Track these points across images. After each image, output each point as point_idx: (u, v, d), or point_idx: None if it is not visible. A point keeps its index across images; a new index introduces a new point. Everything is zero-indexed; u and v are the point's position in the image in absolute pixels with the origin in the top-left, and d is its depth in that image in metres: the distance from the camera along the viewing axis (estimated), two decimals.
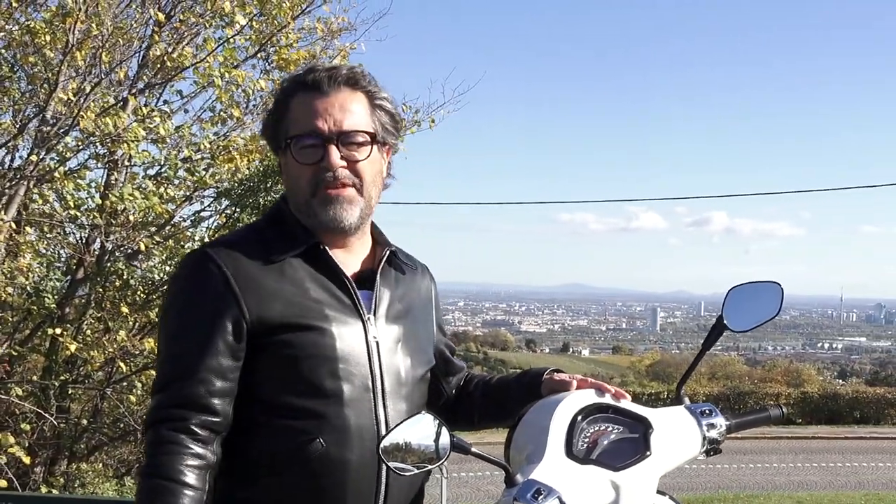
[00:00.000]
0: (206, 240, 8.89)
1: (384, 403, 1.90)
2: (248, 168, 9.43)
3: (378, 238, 2.08)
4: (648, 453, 1.78)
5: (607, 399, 1.90)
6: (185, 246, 9.11)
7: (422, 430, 1.69)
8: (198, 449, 1.78)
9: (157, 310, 8.96)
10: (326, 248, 1.94)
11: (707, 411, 1.95)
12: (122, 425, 11.07)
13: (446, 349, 2.22)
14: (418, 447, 1.68)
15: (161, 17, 7.93)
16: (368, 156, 1.95)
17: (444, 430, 1.70)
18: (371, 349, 1.92)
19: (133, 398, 9.41)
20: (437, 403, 2.19)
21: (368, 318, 1.94)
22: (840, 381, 55.85)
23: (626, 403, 1.90)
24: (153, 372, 4.47)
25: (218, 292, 1.85)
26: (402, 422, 1.67)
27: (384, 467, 1.83)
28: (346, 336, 1.89)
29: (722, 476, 22.40)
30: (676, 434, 1.89)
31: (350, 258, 2.01)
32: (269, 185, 9.90)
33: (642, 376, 54.08)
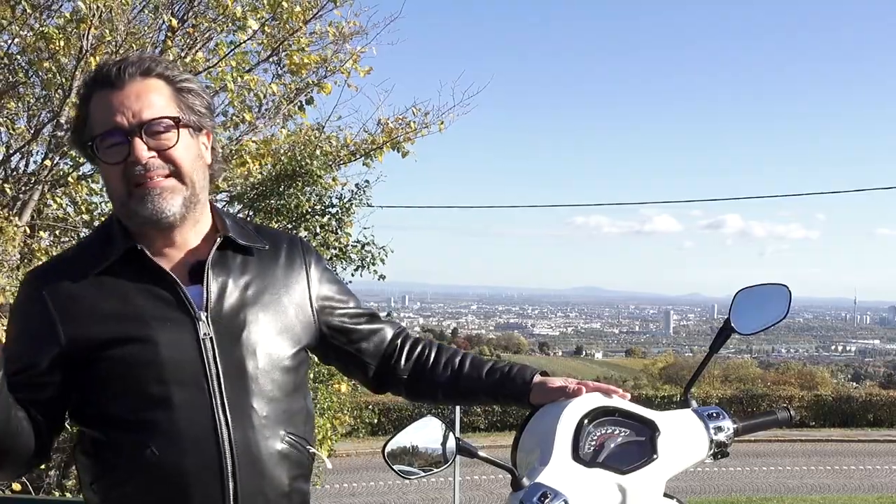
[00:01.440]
0: None
1: (223, 402, 1.81)
2: (261, 172, 9.44)
3: (219, 226, 1.97)
4: (655, 456, 1.78)
5: (614, 402, 1.90)
6: None
7: (428, 434, 1.70)
8: None
9: None
10: (145, 249, 1.86)
11: (714, 414, 1.94)
12: None
13: (343, 319, 2.09)
14: (425, 451, 1.69)
15: (174, 22, 7.94)
16: (177, 141, 1.85)
17: (451, 434, 1.71)
18: (204, 347, 1.82)
19: None
20: (364, 373, 2.15)
21: (198, 315, 1.84)
22: (853, 383, 55.57)
23: (633, 406, 1.90)
24: None
25: (36, 318, 1.83)
26: (408, 425, 1.68)
27: (229, 470, 1.79)
28: (173, 339, 1.81)
29: (735, 479, 22.34)
30: (683, 437, 1.89)
31: (181, 254, 1.92)
32: (281, 189, 9.92)
33: (655, 379, 53.85)
